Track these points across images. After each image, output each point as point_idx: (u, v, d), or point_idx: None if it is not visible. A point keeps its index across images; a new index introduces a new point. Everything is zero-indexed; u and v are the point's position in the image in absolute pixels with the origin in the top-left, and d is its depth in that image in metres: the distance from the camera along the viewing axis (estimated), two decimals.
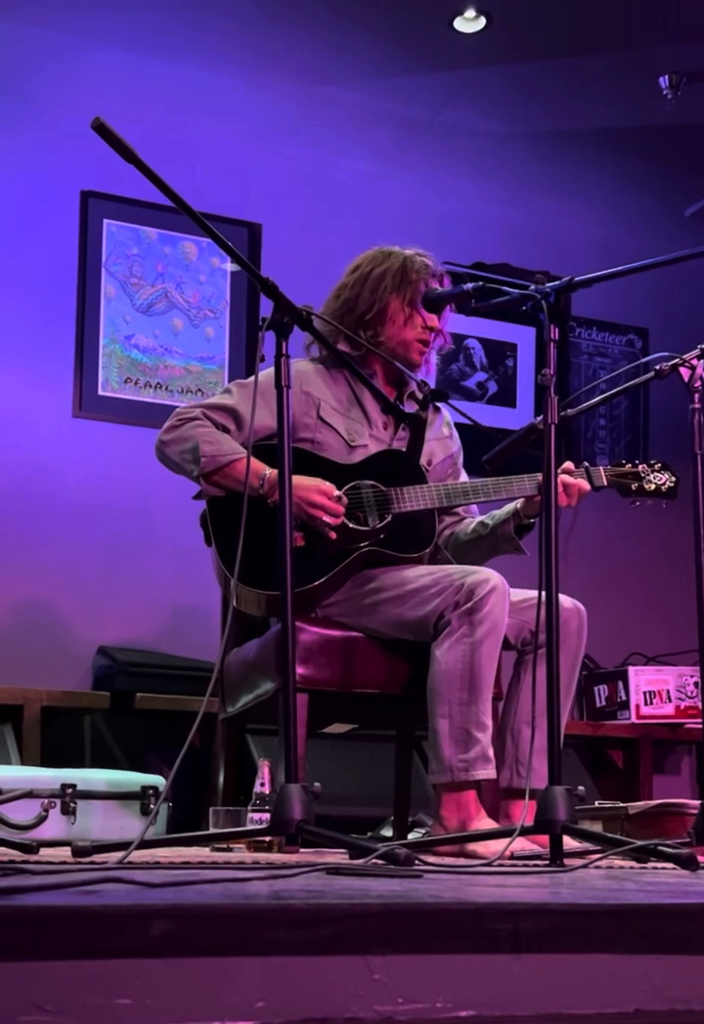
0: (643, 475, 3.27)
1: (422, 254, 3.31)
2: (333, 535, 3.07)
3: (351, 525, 3.11)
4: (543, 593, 2.44)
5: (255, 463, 3.01)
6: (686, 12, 4.59)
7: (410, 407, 3.29)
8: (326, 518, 3.05)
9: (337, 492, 3.08)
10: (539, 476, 3.06)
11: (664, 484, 3.27)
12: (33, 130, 4.91)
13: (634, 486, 3.26)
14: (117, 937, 1.24)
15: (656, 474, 3.27)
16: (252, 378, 2.68)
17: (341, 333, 3.20)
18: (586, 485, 3.19)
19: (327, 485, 3.07)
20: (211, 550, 3.17)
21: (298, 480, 3.03)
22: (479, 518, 3.36)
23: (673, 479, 3.28)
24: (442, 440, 3.42)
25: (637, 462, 3.30)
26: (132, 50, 4.79)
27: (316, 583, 3.08)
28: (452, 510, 3.36)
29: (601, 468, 3.26)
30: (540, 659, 2.45)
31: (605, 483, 3.24)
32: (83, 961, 1.23)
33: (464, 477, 3.41)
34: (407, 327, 3.26)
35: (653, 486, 3.26)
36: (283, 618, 2.36)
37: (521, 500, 3.21)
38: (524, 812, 2.40)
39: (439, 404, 3.43)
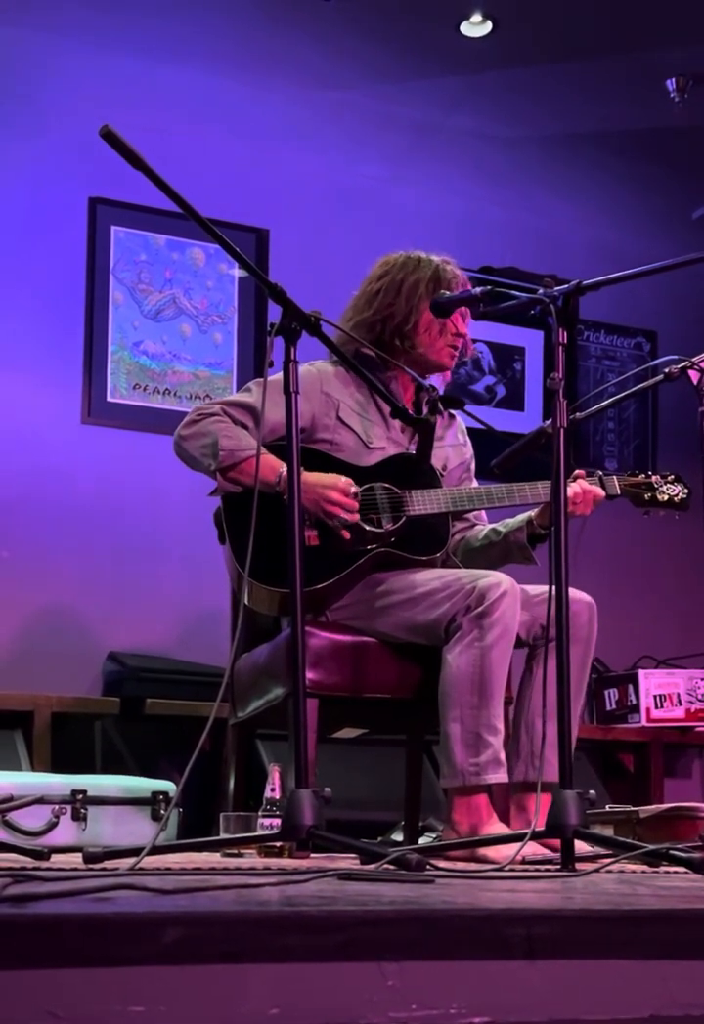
0: (656, 486, 3.29)
1: (449, 261, 3.30)
2: (347, 534, 3.06)
3: (365, 526, 3.11)
4: (553, 589, 2.44)
5: (273, 460, 3.01)
6: (693, 15, 4.59)
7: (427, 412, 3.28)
8: (343, 515, 3.04)
9: (354, 487, 3.08)
10: None
11: (677, 496, 3.29)
12: (41, 136, 4.91)
13: (647, 496, 3.28)
14: (130, 944, 1.24)
15: (669, 485, 3.29)
16: (273, 376, 2.68)
17: (358, 338, 3.17)
18: (601, 492, 3.19)
19: (344, 481, 3.06)
20: (224, 548, 3.17)
21: (316, 477, 3.03)
22: (490, 525, 3.35)
23: (686, 491, 3.30)
24: (457, 447, 3.42)
25: (650, 473, 3.33)
26: (140, 56, 4.80)
27: (328, 582, 3.07)
28: (464, 515, 3.36)
29: (615, 477, 3.27)
30: (551, 652, 2.44)
31: (619, 492, 3.25)
32: (96, 968, 1.23)
33: (475, 484, 3.41)
34: (441, 336, 3.26)
35: (666, 497, 3.28)
36: (293, 618, 2.36)
37: (535, 509, 3.21)
38: (536, 806, 2.39)
39: (453, 411, 3.44)
